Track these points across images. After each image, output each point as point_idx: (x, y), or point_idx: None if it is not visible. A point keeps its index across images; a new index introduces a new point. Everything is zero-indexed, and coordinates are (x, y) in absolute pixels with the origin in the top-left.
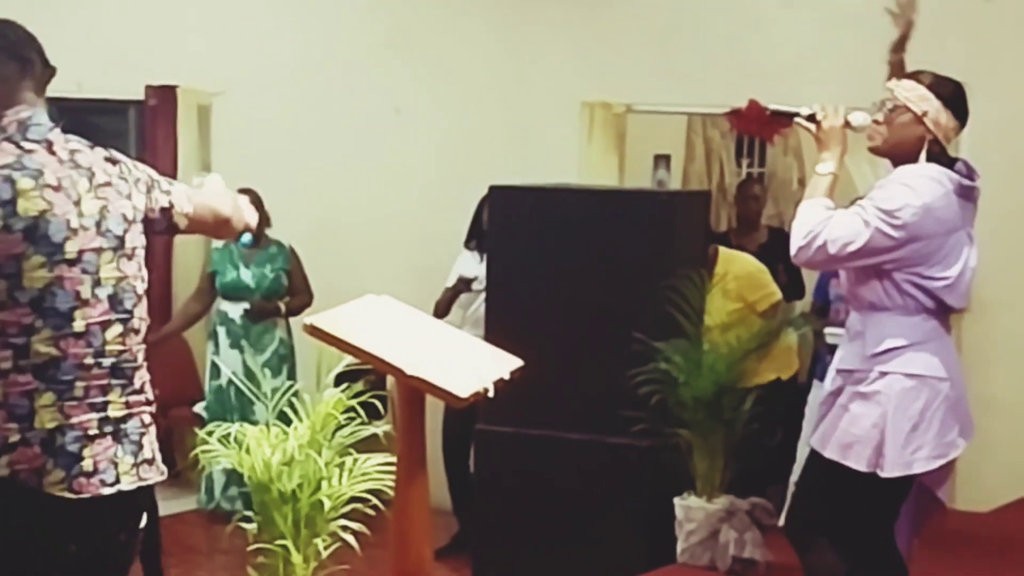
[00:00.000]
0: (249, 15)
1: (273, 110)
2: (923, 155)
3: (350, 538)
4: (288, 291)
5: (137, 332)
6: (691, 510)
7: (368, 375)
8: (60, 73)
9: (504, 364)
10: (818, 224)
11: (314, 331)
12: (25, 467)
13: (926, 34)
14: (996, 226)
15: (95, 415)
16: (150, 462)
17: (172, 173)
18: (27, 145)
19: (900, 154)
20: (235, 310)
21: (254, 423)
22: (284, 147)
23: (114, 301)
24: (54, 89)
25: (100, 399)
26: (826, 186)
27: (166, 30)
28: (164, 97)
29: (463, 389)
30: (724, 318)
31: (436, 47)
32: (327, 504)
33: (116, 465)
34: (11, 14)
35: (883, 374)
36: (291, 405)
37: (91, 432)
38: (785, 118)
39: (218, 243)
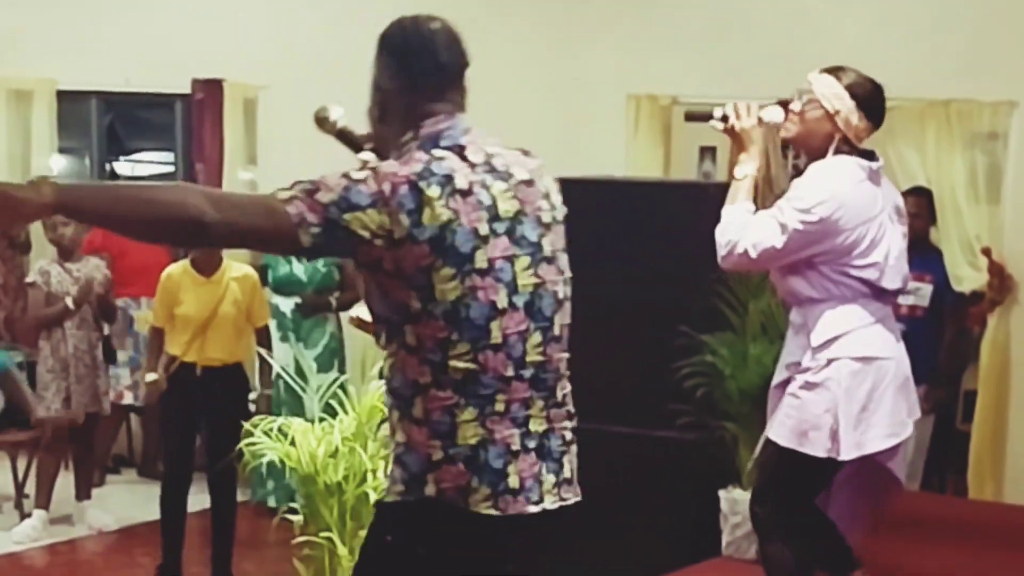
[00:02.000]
0: (295, 8)
1: (319, 103)
2: (831, 151)
3: None
4: (340, 285)
5: (558, 341)
6: (736, 503)
7: None
8: (108, 68)
9: None
10: (736, 231)
11: (360, 323)
12: (450, 485)
13: None
14: None
15: (517, 430)
16: (569, 482)
17: (218, 166)
18: (437, 152)
19: (809, 147)
20: (287, 304)
21: (304, 418)
22: (330, 140)
23: (532, 309)
24: (101, 84)
25: (522, 413)
26: (745, 189)
27: (212, 24)
28: (211, 91)
29: None
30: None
31: (483, 41)
32: (373, 496)
33: (540, 483)
34: (61, 8)
35: (830, 361)
36: (337, 398)
37: (514, 448)
38: (700, 120)
39: None
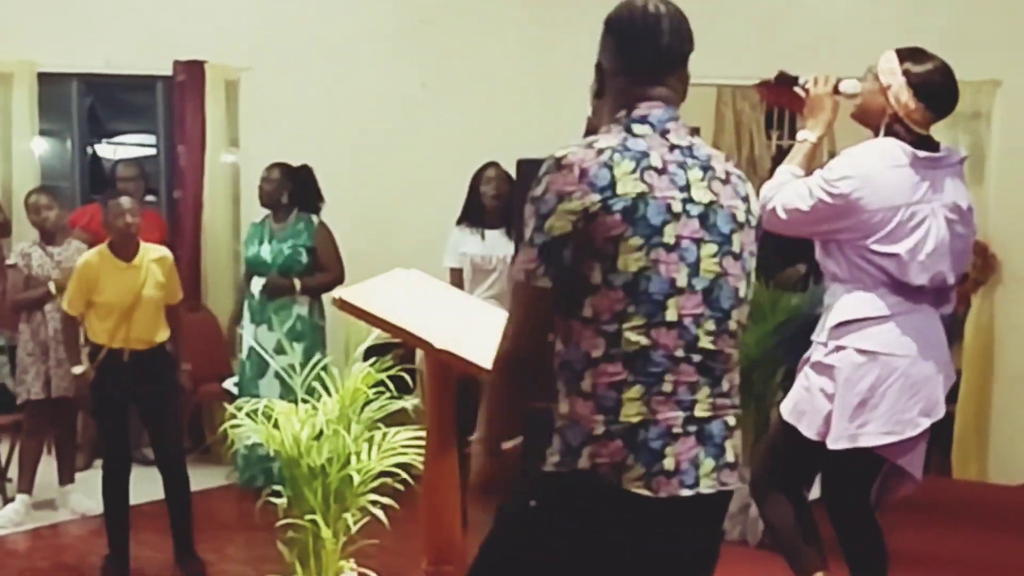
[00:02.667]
0: None
1: (301, 85)
2: (882, 129)
3: (380, 513)
4: (311, 268)
5: (732, 335)
6: None
7: (397, 349)
8: (89, 50)
9: None
10: (773, 189)
11: (343, 305)
12: (606, 461)
13: None
14: None
15: (681, 413)
16: (732, 467)
17: (200, 148)
18: (637, 129)
19: (866, 121)
20: (256, 285)
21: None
22: (312, 122)
23: (710, 297)
24: (82, 66)
25: (688, 397)
26: (802, 153)
27: (194, 6)
28: (192, 73)
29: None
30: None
31: (466, 22)
32: (356, 479)
33: (697, 467)
34: None
35: (839, 348)
36: (321, 381)
37: (675, 430)
38: (787, 85)
39: (255, 218)
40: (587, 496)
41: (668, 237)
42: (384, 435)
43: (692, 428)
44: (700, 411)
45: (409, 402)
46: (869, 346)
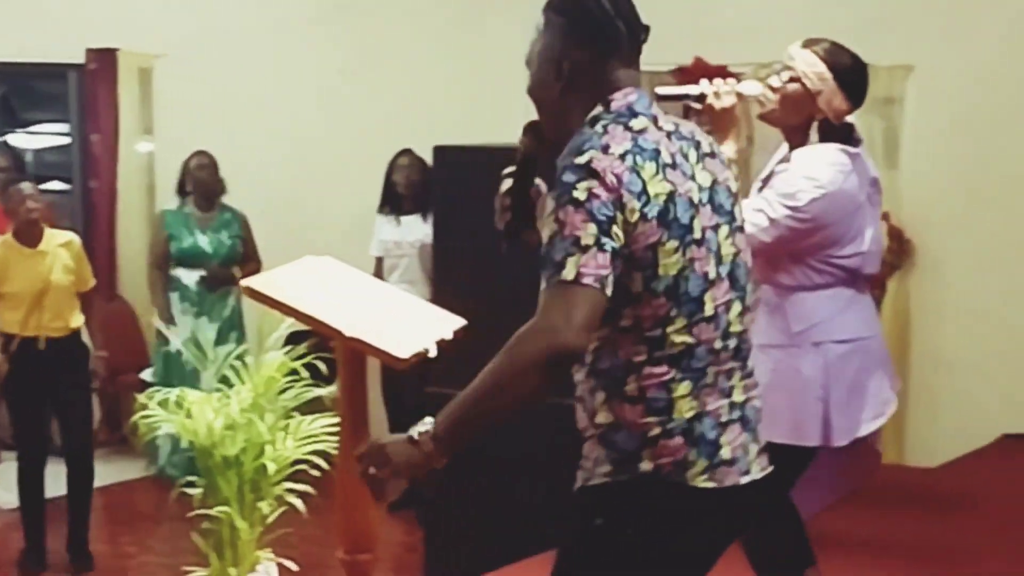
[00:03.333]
0: None
1: (216, 73)
2: (813, 133)
3: (296, 501)
4: (242, 258)
5: (751, 311)
6: None
7: (313, 337)
8: (2, 38)
9: (447, 324)
10: None
11: (251, 293)
12: (668, 460)
13: None
14: (944, 188)
15: (724, 400)
16: (765, 451)
17: (113, 138)
18: (635, 124)
19: (788, 127)
20: (190, 276)
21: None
22: (228, 111)
23: (732, 279)
24: None
25: (727, 384)
26: None
27: None
28: (105, 60)
29: (404, 350)
30: None
31: (383, 9)
32: (271, 468)
33: (747, 453)
34: None
35: (816, 345)
36: (235, 369)
37: (723, 419)
38: (674, 100)
39: (171, 206)
40: (655, 499)
41: (696, 232)
42: (299, 423)
43: (736, 415)
44: (737, 396)
45: (324, 390)
46: (847, 335)
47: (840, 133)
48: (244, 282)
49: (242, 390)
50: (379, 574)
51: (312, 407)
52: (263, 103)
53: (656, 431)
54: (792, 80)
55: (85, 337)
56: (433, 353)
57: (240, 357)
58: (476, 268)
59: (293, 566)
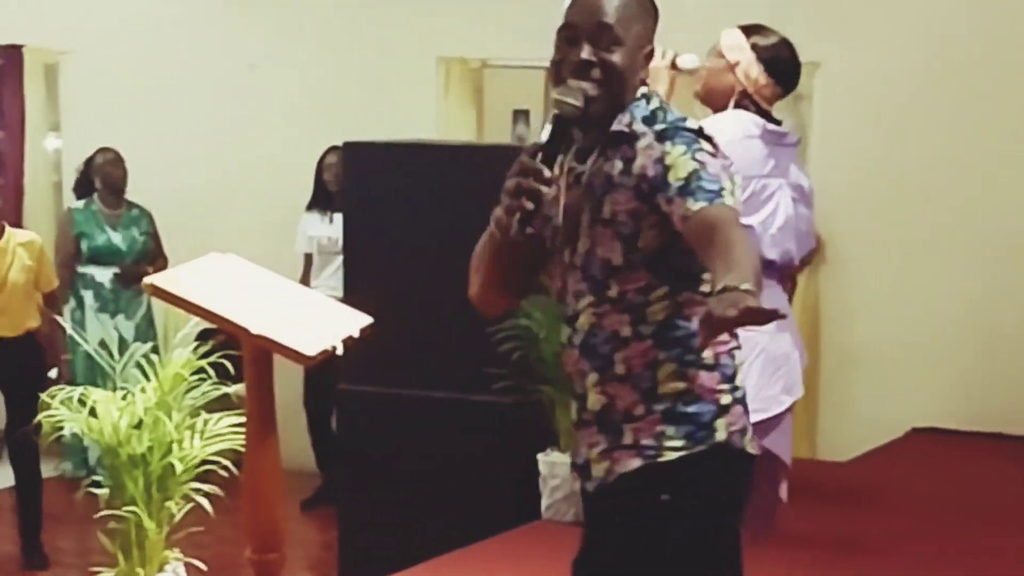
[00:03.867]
0: None
1: (123, 69)
2: (731, 105)
3: (204, 500)
4: (153, 256)
5: None
6: (555, 466)
7: (219, 335)
8: None
9: (354, 322)
10: None
11: (155, 291)
12: (737, 428)
13: None
14: (852, 184)
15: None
16: None
17: (20, 134)
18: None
19: (713, 101)
20: (104, 274)
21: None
22: (135, 106)
23: None
24: None
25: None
26: None
27: None
28: (10, 57)
29: (310, 347)
30: None
31: (291, 3)
32: (179, 467)
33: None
34: None
35: None
36: (141, 367)
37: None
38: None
39: (78, 204)
40: (724, 468)
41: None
42: (206, 422)
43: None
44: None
45: (231, 388)
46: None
47: (758, 111)
48: (148, 279)
49: (148, 388)
50: (294, 572)
51: (220, 405)
52: (172, 99)
53: (728, 399)
54: (716, 55)
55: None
56: (340, 350)
57: (147, 355)
58: (386, 265)
59: (202, 566)
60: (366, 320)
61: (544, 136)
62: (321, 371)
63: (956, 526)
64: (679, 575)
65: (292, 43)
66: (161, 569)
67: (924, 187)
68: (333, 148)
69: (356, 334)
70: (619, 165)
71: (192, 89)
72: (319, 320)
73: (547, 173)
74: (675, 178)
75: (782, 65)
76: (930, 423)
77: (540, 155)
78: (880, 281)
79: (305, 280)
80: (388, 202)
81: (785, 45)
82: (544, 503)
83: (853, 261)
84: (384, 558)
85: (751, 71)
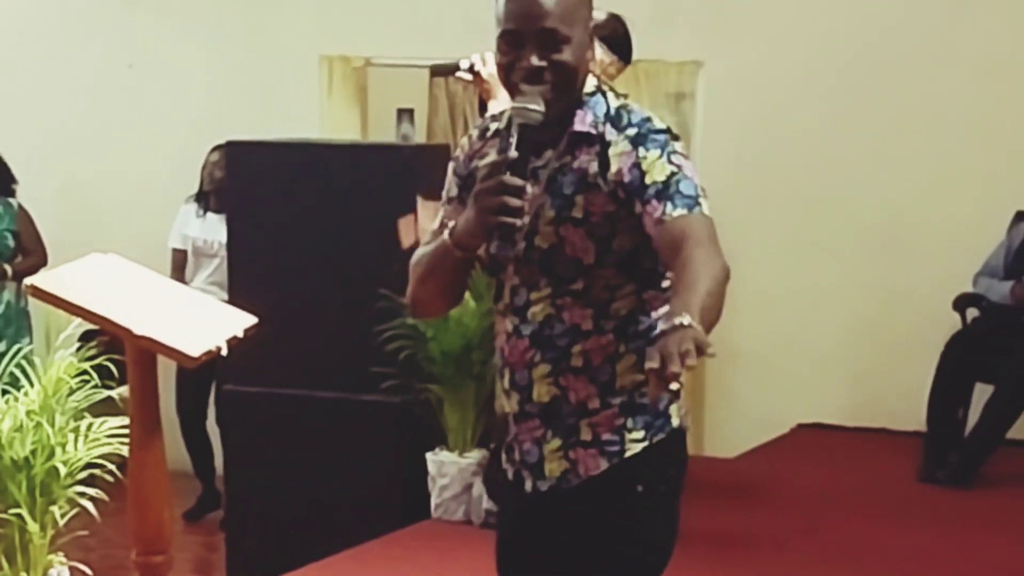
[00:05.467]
0: None
1: (1, 65)
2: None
3: (88, 504)
4: (17, 252)
5: None
6: (444, 465)
7: (102, 336)
8: None
9: (238, 322)
10: None
11: (36, 292)
12: (685, 410)
13: None
14: (735, 181)
15: None
16: None
17: None
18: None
19: None
20: None
21: None
22: (15, 102)
23: None
24: None
25: None
26: None
27: None
28: None
29: (194, 348)
30: None
31: (173, 2)
32: (63, 471)
33: None
34: None
35: None
36: (23, 370)
37: None
38: (447, 74)
39: None
40: (680, 450)
41: None
42: (91, 425)
43: None
44: None
45: (115, 391)
46: None
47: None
48: (29, 280)
49: (31, 391)
50: (181, 575)
51: (106, 409)
52: (51, 98)
53: (676, 385)
54: None
55: None
56: (224, 351)
57: (27, 358)
58: (271, 265)
59: (87, 570)
60: (250, 320)
61: (512, 148)
62: (196, 374)
63: (842, 521)
64: (656, 559)
65: (173, 42)
66: (45, 574)
67: (807, 184)
68: (217, 147)
69: (240, 334)
70: (594, 167)
71: (71, 89)
72: (203, 321)
73: (529, 189)
74: (651, 181)
75: (620, 39)
76: (815, 419)
77: (511, 168)
78: (764, 278)
79: (176, 276)
80: (271, 202)
81: (615, 19)
82: (433, 502)
83: (737, 258)
84: (272, 560)
85: (595, 52)
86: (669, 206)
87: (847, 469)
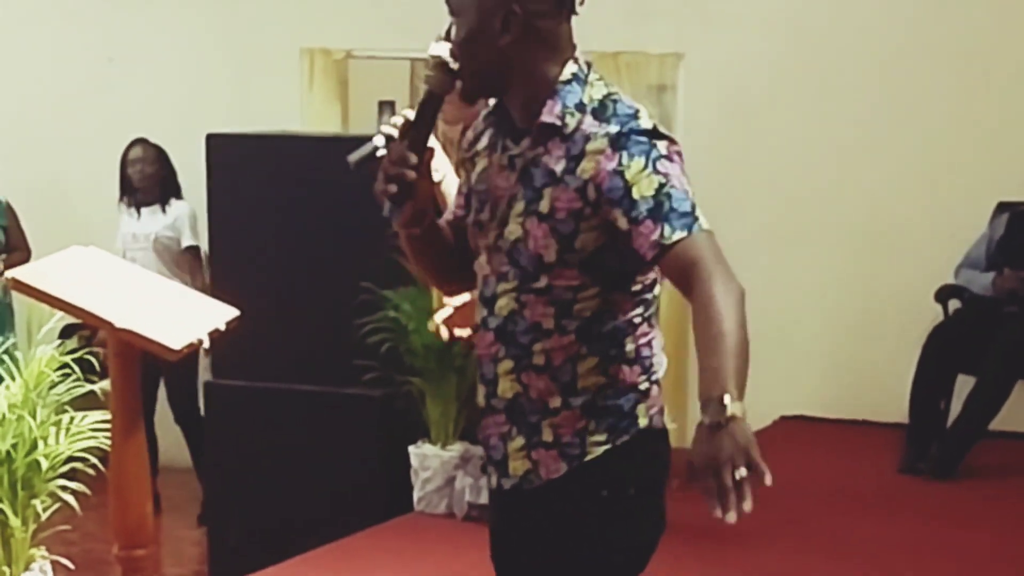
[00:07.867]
0: None
1: None
2: None
3: (70, 498)
4: (5, 248)
5: None
6: (426, 458)
7: (83, 330)
8: None
9: (220, 315)
10: None
11: (17, 285)
12: (656, 410)
13: None
14: (717, 173)
15: None
16: None
17: None
18: (614, 88)
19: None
20: None
21: None
22: None
23: None
24: None
25: None
26: None
27: None
28: None
29: (176, 341)
30: None
31: None
32: (44, 464)
33: None
34: None
35: None
36: (4, 364)
37: None
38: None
39: None
40: (649, 451)
41: None
42: (72, 419)
43: None
44: None
45: (97, 385)
46: None
47: None
48: (10, 273)
49: (12, 385)
50: (163, 568)
51: (88, 403)
52: (33, 92)
53: (645, 385)
54: None
55: None
56: (206, 344)
57: (8, 351)
58: (252, 258)
59: (69, 564)
60: (232, 313)
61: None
62: (179, 369)
63: (824, 512)
64: (625, 559)
65: (153, 35)
66: (28, 568)
67: (788, 176)
68: (137, 141)
69: (222, 327)
70: (563, 162)
71: (52, 82)
72: (184, 313)
73: (413, 160)
74: (640, 196)
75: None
76: (798, 411)
77: (406, 133)
78: (746, 270)
79: None
80: (253, 194)
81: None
82: (416, 495)
83: (722, 251)
84: (255, 553)
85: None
86: (667, 228)
87: (829, 461)
